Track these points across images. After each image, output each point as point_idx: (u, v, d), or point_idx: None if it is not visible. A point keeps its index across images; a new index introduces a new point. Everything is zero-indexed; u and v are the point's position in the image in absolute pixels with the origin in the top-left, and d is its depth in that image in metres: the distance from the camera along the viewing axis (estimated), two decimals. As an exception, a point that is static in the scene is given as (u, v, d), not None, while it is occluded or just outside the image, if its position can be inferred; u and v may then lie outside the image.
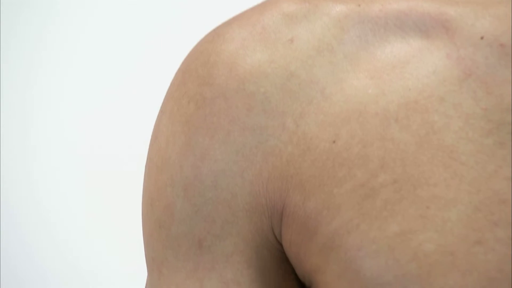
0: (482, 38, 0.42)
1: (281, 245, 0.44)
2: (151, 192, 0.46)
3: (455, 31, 0.42)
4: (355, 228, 0.40)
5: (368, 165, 0.41)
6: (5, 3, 1.55)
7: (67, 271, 1.62)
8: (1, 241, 1.63)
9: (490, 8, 0.43)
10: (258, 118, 0.43)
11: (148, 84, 1.42)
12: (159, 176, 0.45)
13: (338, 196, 0.41)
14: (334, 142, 0.42)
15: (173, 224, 0.44)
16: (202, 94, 0.44)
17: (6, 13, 1.56)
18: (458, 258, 0.38)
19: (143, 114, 1.23)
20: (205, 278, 0.44)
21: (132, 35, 1.49)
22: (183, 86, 0.45)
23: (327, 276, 0.41)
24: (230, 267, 0.44)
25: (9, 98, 1.59)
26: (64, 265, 1.63)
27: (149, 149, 0.48)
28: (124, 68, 1.45)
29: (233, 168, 0.43)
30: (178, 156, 0.44)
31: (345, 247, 0.40)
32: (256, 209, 0.43)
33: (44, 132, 1.61)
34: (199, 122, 0.44)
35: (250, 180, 0.43)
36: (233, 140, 0.43)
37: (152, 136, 0.48)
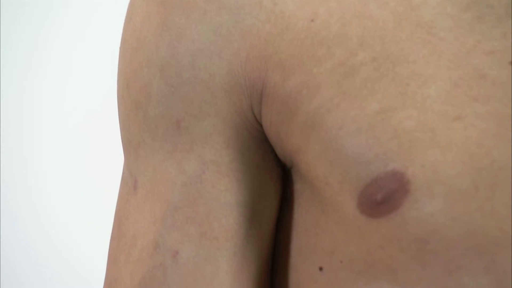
0: None
1: (260, 125, 0.44)
2: (126, 73, 0.45)
3: None
4: (336, 107, 0.40)
5: (347, 43, 0.40)
6: (5, 3, 1.50)
7: (67, 271, 1.62)
8: (1, 241, 1.62)
9: None
10: None
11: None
12: (134, 57, 0.45)
13: (317, 75, 0.40)
14: (312, 20, 0.41)
15: (150, 105, 0.44)
16: None
17: (6, 13, 1.52)
18: (438, 134, 0.38)
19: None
20: (184, 159, 0.44)
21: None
22: None
23: (308, 156, 0.41)
24: (209, 147, 0.44)
25: (9, 98, 1.57)
26: (64, 265, 1.63)
27: (123, 30, 0.47)
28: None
29: (210, 47, 0.42)
30: (154, 36, 0.43)
31: (325, 126, 0.40)
32: (235, 89, 0.43)
33: (45, 132, 1.59)
34: (174, 1, 0.43)
35: (228, 59, 0.42)
36: (209, 19, 0.42)
37: (126, 17, 0.46)
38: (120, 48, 0.47)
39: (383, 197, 0.38)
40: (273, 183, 0.45)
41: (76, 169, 1.60)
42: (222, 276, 0.44)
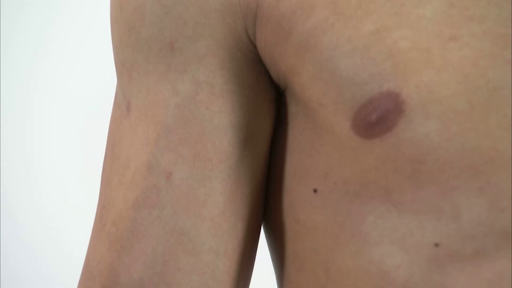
0: None
1: (254, 46, 0.43)
2: None
3: None
4: (330, 28, 0.39)
5: None
6: (5, 3, 1.47)
7: (67, 271, 1.62)
8: (1, 241, 1.61)
9: None
10: None
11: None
12: None
13: None
14: None
15: (143, 26, 0.43)
16: None
17: (6, 13, 1.49)
18: (433, 54, 0.37)
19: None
20: (177, 80, 0.44)
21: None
22: None
23: (302, 77, 0.41)
24: (203, 68, 0.43)
25: (9, 98, 1.55)
26: (64, 265, 1.62)
27: None
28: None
29: None
30: None
31: (320, 46, 0.40)
32: (229, 9, 0.42)
33: (45, 132, 1.57)
34: None
35: None
36: None
37: None
38: None
39: (377, 117, 0.38)
40: (267, 105, 0.45)
41: (76, 169, 1.61)
42: (216, 198, 0.44)
